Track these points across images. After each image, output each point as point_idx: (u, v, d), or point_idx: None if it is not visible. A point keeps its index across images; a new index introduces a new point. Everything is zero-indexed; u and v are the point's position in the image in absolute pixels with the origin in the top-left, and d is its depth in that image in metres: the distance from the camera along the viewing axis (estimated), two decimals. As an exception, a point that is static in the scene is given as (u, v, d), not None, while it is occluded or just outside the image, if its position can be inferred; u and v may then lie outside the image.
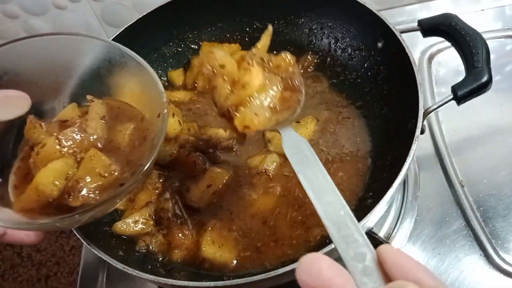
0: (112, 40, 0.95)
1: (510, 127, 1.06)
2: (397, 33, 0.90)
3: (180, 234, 0.85)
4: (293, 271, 0.67)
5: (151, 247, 0.86)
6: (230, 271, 0.82)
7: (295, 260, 0.69)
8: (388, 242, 0.88)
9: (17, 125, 0.69)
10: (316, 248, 0.79)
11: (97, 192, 0.65)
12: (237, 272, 0.81)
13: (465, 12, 1.29)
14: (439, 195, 0.99)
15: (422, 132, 0.79)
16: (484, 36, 0.85)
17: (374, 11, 0.95)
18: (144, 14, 1.05)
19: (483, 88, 0.81)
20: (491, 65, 0.82)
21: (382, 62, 0.99)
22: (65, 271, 1.34)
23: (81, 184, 0.64)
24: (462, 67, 0.85)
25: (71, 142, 0.68)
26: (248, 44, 1.15)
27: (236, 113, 0.69)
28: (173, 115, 0.94)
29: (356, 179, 0.89)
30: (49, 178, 0.64)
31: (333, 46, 1.10)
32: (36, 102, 0.70)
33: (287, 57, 0.74)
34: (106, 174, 0.67)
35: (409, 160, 0.75)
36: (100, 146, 0.70)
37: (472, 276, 0.88)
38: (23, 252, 1.38)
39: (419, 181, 1.01)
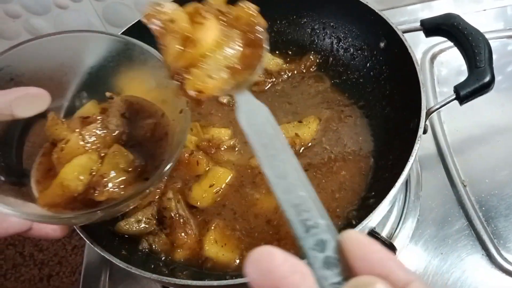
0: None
1: (512, 127, 1.06)
2: (400, 33, 0.90)
3: (182, 234, 0.86)
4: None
5: (154, 246, 0.86)
6: (233, 270, 0.82)
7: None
8: (390, 242, 0.88)
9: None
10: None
11: (122, 186, 0.66)
12: (240, 271, 0.82)
13: (467, 12, 1.29)
14: (441, 195, 0.99)
15: (424, 132, 0.79)
16: (486, 36, 0.85)
17: (377, 10, 0.95)
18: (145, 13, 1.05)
19: (485, 88, 0.81)
20: (493, 65, 0.83)
21: (384, 62, 0.99)
22: (67, 271, 1.34)
23: (106, 179, 0.65)
24: (464, 67, 0.85)
25: (94, 138, 0.68)
26: (250, 44, 1.15)
27: (187, 76, 0.59)
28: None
29: (358, 178, 0.89)
30: (73, 174, 0.64)
31: (336, 46, 1.10)
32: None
33: (249, 7, 0.63)
34: (130, 169, 0.67)
35: (411, 159, 0.75)
36: (122, 142, 0.71)
37: (474, 276, 0.88)
38: (25, 252, 1.38)
39: (421, 181, 1.02)
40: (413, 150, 0.76)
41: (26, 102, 0.63)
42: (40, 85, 0.66)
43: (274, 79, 1.08)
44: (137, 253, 0.85)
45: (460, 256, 0.91)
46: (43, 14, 1.35)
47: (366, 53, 1.04)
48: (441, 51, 1.22)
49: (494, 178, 0.99)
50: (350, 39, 1.07)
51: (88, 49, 0.73)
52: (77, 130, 0.69)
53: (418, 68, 0.84)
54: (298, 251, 0.81)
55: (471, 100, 0.82)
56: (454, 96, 0.82)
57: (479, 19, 1.28)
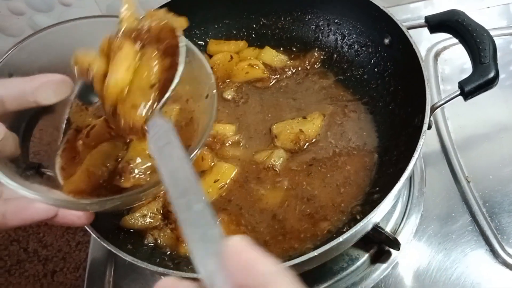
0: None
1: (515, 124, 1.07)
2: (404, 29, 0.90)
3: (188, 228, 0.86)
4: (299, 264, 0.68)
5: (159, 241, 0.86)
6: (238, 265, 0.83)
7: (302, 253, 0.69)
8: (395, 237, 0.88)
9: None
10: (323, 242, 0.79)
11: (147, 173, 0.65)
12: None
13: (470, 9, 1.29)
14: (445, 191, 0.99)
15: (429, 127, 0.80)
16: (490, 33, 0.85)
17: (381, 7, 0.95)
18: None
19: (490, 83, 0.81)
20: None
21: (388, 58, 1.00)
22: (71, 267, 1.34)
23: (131, 166, 0.65)
24: (467, 65, 0.85)
25: None
26: (254, 40, 1.16)
27: (118, 113, 0.56)
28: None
29: (363, 174, 0.90)
30: (99, 160, 0.64)
31: (340, 42, 1.10)
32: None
33: (156, 15, 0.61)
34: None
35: (416, 155, 0.75)
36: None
37: (477, 271, 0.89)
38: (30, 248, 1.39)
39: (425, 177, 1.02)
40: (418, 146, 0.76)
41: (50, 88, 0.62)
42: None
43: (278, 76, 1.08)
44: (143, 248, 0.85)
45: (463, 252, 0.91)
46: (47, 11, 1.36)
47: (370, 50, 1.04)
48: (445, 48, 1.22)
49: (498, 174, 0.99)
50: (354, 35, 1.08)
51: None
52: (103, 116, 0.68)
53: (422, 64, 0.84)
54: (303, 246, 0.81)
55: (476, 96, 0.82)
56: (458, 92, 0.82)
57: (482, 16, 1.28)
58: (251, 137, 0.98)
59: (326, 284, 0.92)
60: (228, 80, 1.09)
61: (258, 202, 0.89)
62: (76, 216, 0.68)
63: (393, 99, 0.96)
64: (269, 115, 1.02)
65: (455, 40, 0.92)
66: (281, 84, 1.07)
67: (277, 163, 0.92)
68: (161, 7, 1.04)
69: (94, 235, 0.76)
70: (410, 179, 1.01)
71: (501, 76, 0.84)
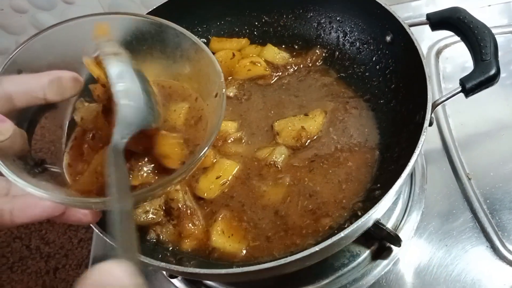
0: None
1: (516, 122, 1.07)
2: (406, 27, 0.90)
3: (190, 224, 0.86)
4: (301, 259, 0.68)
5: (161, 236, 0.87)
6: (239, 261, 0.83)
7: (303, 249, 0.70)
8: (396, 234, 0.88)
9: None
10: (325, 238, 0.80)
11: (156, 171, 0.65)
12: (247, 262, 0.83)
13: (472, 7, 1.29)
14: (446, 188, 1.00)
15: (430, 124, 0.80)
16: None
17: (383, 4, 0.96)
18: (152, 8, 1.05)
19: (491, 80, 0.81)
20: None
21: (390, 55, 1.00)
22: (74, 264, 1.35)
23: (140, 163, 0.65)
24: (469, 63, 0.85)
25: None
26: (256, 38, 1.16)
27: None
28: (183, 107, 0.95)
29: (364, 170, 0.90)
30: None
31: (342, 40, 1.11)
32: None
33: None
34: None
35: (417, 151, 0.75)
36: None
37: (478, 268, 0.89)
38: (32, 245, 1.39)
39: (427, 174, 1.02)
40: (419, 142, 0.76)
41: (58, 85, 0.63)
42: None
43: (280, 73, 1.09)
44: (145, 243, 0.86)
45: (464, 248, 0.91)
46: (50, 9, 1.36)
47: (372, 47, 1.05)
48: (446, 46, 1.23)
49: (498, 171, 1.00)
50: (356, 33, 1.08)
51: (115, 33, 0.72)
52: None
53: (424, 61, 0.84)
54: (305, 241, 0.82)
55: (477, 92, 0.83)
56: (460, 89, 0.82)
57: (483, 14, 1.29)
58: (253, 133, 0.99)
59: (327, 280, 0.92)
60: (230, 78, 1.09)
61: (260, 198, 0.90)
62: (82, 214, 0.68)
63: (395, 96, 0.97)
64: (271, 112, 1.02)
65: (456, 38, 0.92)
66: (283, 81, 1.08)
67: (278, 160, 0.93)
68: (163, 4, 1.05)
69: (97, 231, 0.77)
70: (411, 176, 1.02)
71: (502, 75, 0.84)
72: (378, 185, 0.87)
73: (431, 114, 0.80)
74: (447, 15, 0.90)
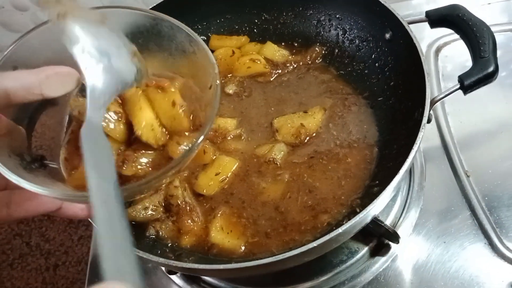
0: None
1: (515, 120, 1.07)
2: (405, 24, 0.91)
3: (189, 221, 0.87)
4: (299, 255, 0.69)
5: (160, 233, 0.87)
6: (238, 257, 0.83)
7: (302, 245, 0.70)
8: (394, 230, 0.89)
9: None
10: (323, 234, 0.80)
11: (150, 162, 0.65)
12: (245, 258, 0.83)
13: (472, 5, 1.29)
14: (444, 185, 1.00)
15: (428, 121, 0.80)
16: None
17: (382, 2, 0.96)
18: (152, 6, 1.06)
19: (489, 77, 0.81)
20: (498, 60, 0.83)
21: (389, 53, 1.00)
22: (73, 260, 1.35)
23: (136, 155, 0.65)
24: (468, 62, 0.85)
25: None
26: (256, 35, 1.16)
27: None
28: (183, 105, 0.95)
29: (363, 167, 0.90)
30: None
31: (341, 37, 1.11)
32: None
33: None
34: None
35: (415, 147, 0.76)
36: None
37: (476, 264, 0.89)
38: (32, 242, 1.40)
39: (425, 172, 1.03)
40: (417, 138, 0.77)
41: (55, 81, 0.63)
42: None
43: (280, 70, 1.09)
44: (144, 239, 0.86)
45: (462, 245, 0.92)
46: (51, 7, 1.36)
47: (371, 45, 1.05)
48: (446, 44, 1.23)
49: (497, 169, 1.00)
50: (355, 30, 1.08)
51: (114, 27, 0.72)
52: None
53: (423, 58, 0.85)
54: (303, 238, 0.82)
55: (475, 89, 0.83)
56: (458, 86, 0.83)
57: (483, 12, 1.28)
58: (252, 130, 0.99)
59: (326, 277, 0.93)
60: (230, 75, 1.10)
61: (260, 195, 0.90)
62: (79, 209, 0.68)
63: (394, 93, 0.97)
64: (271, 109, 1.02)
65: (456, 36, 0.92)
66: (282, 78, 1.08)
67: (278, 157, 0.93)
68: (162, 1, 1.06)
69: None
70: (410, 173, 1.02)
71: (502, 74, 0.85)
72: (377, 182, 0.87)
73: (429, 111, 0.80)
74: (446, 12, 0.91)
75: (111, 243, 0.43)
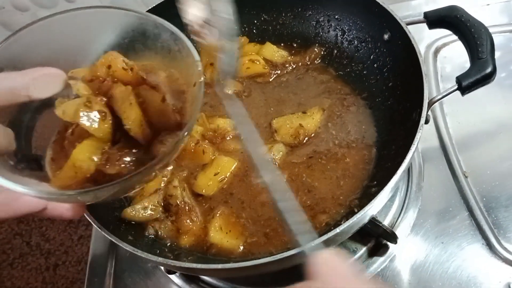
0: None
1: (514, 120, 1.07)
2: (403, 25, 0.91)
3: (188, 221, 0.87)
4: (297, 255, 0.69)
5: (159, 232, 0.87)
6: (237, 257, 0.84)
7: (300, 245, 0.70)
8: (392, 231, 0.89)
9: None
10: (321, 234, 0.80)
11: (134, 159, 0.65)
12: (244, 258, 0.83)
13: (471, 6, 1.30)
14: (443, 186, 1.00)
15: (426, 122, 0.80)
16: (490, 30, 0.86)
17: (381, 3, 0.96)
18: (152, 6, 1.06)
19: (487, 78, 0.82)
20: (497, 61, 0.83)
21: (388, 54, 1.00)
22: (73, 260, 1.35)
23: (120, 153, 0.65)
24: (467, 63, 0.86)
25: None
26: (255, 36, 1.17)
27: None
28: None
29: (361, 167, 0.91)
30: (85, 154, 0.64)
31: (340, 38, 1.11)
32: None
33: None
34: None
35: (413, 148, 0.76)
36: None
37: (474, 265, 0.89)
38: (32, 241, 1.40)
39: (423, 172, 1.03)
40: (415, 139, 0.77)
41: (43, 82, 0.63)
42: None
43: (279, 71, 1.09)
44: (143, 239, 0.86)
45: (460, 246, 0.92)
46: (51, 7, 1.37)
47: (370, 45, 1.05)
48: (445, 44, 1.23)
49: (495, 169, 1.00)
50: (354, 31, 1.08)
51: (100, 27, 0.73)
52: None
53: (421, 59, 0.85)
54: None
55: (473, 90, 0.83)
56: (456, 87, 0.83)
57: (483, 13, 1.29)
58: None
59: (324, 277, 0.93)
60: (229, 75, 1.10)
61: (259, 195, 0.90)
62: (65, 209, 0.68)
63: (392, 94, 0.97)
64: (270, 110, 1.03)
65: (454, 37, 0.92)
66: (281, 79, 1.08)
67: (276, 157, 0.93)
68: (162, 1, 1.06)
69: (96, 226, 0.77)
70: (408, 174, 1.02)
71: (501, 74, 0.85)
72: (375, 182, 0.87)
73: (427, 112, 0.80)
74: (444, 13, 0.91)
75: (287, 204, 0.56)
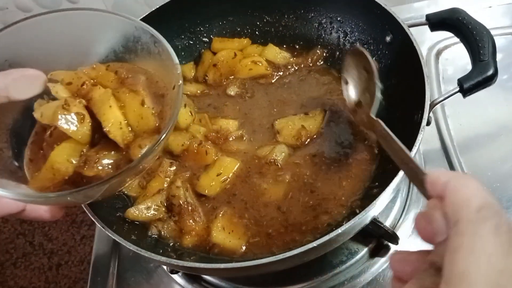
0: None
1: (515, 122, 1.08)
2: (405, 27, 0.91)
3: (191, 221, 0.88)
4: (299, 255, 0.69)
5: (162, 232, 0.88)
6: (239, 257, 0.84)
7: (302, 245, 0.71)
8: (394, 232, 0.89)
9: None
10: (323, 235, 0.81)
11: (111, 162, 0.67)
12: (246, 258, 0.84)
13: (473, 9, 1.30)
14: (444, 187, 1.00)
15: (428, 123, 0.81)
16: (492, 32, 0.86)
17: (383, 5, 0.96)
18: (155, 8, 1.06)
19: (488, 81, 0.82)
20: (499, 63, 0.83)
21: (390, 55, 1.01)
22: (76, 260, 1.36)
23: (98, 156, 0.66)
24: (469, 65, 0.86)
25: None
26: (258, 38, 1.17)
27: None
28: (185, 105, 0.96)
29: (363, 168, 0.91)
30: (63, 156, 0.64)
31: (342, 40, 1.12)
32: None
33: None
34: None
35: (415, 149, 0.76)
36: None
37: (475, 265, 0.89)
38: (35, 241, 1.41)
39: (425, 174, 1.03)
40: (417, 140, 0.77)
41: (23, 84, 0.63)
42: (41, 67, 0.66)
43: (281, 72, 1.10)
44: (146, 239, 0.87)
45: (461, 247, 0.92)
46: (54, 8, 1.37)
47: (372, 47, 1.05)
48: (446, 47, 1.23)
49: (496, 171, 1.00)
50: (356, 33, 1.09)
51: (80, 29, 0.72)
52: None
53: (423, 61, 0.85)
54: (303, 238, 0.83)
55: (474, 92, 0.83)
56: (457, 89, 0.83)
57: (485, 15, 1.29)
58: (254, 131, 1.00)
59: (325, 277, 0.93)
60: (232, 77, 1.10)
61: (262, 196, 0.91)
62: (43, 211, 0.69)
63: (394, 96, 0.97)
64: (273, 111, 1.03)
65: (456, 40, 0.92)
66: (284, 80, 1.09)
67: (279, 158, 0.94)
68: (166, 3, 1.06)
69: (100, 225, 0.78)
70: (410, 175, 1.02)
71: (503, 76, 0.85)
72: (376, 183, 0.88)
73: (429, 114, 0.80)
74: (446, 16, 0.91)
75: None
